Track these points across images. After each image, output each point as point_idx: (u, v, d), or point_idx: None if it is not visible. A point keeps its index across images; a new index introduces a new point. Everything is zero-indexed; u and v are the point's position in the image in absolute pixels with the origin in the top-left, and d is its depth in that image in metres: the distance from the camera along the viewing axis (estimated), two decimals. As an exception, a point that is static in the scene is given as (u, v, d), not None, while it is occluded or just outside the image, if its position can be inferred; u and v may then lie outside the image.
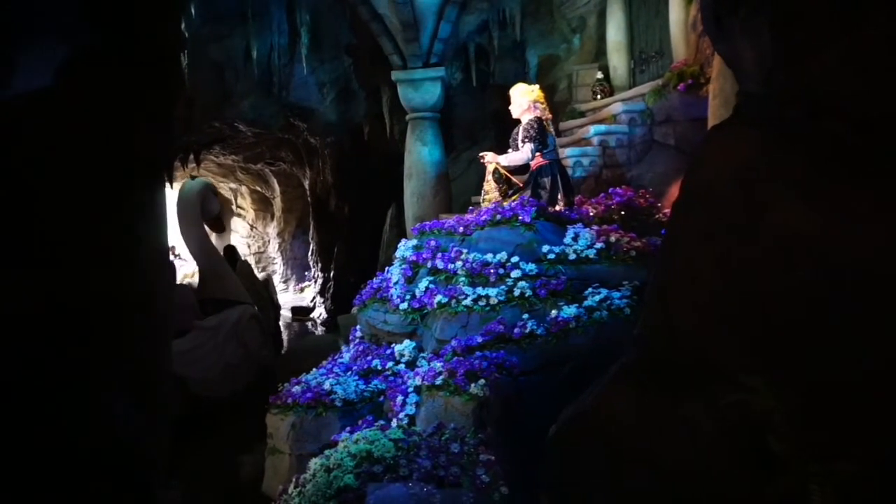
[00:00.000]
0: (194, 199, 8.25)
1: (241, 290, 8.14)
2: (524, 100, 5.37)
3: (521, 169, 5.30)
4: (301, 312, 14.10)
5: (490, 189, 5.27)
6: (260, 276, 11.45)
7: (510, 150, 5.37)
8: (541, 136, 5.21)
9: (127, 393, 1.96)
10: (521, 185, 5.25)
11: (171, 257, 7.11)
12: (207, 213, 8.40)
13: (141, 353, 2.06)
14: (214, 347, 6.83)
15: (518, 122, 5.50)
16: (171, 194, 16.29)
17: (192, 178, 9.29)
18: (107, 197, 1.83)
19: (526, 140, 5.21)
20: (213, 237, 9.53)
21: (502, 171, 5.18)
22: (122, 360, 1.92)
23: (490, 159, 5.27)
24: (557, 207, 5.11)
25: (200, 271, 8.16)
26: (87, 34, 1.74)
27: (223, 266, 8.26)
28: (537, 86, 5.53)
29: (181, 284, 7.76)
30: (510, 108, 5.50)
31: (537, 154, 5.20)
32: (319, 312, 13.53)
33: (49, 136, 1.70)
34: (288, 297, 14.96)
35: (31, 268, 1.67)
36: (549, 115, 5.50)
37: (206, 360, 6.64)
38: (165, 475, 2.25)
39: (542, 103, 5.39)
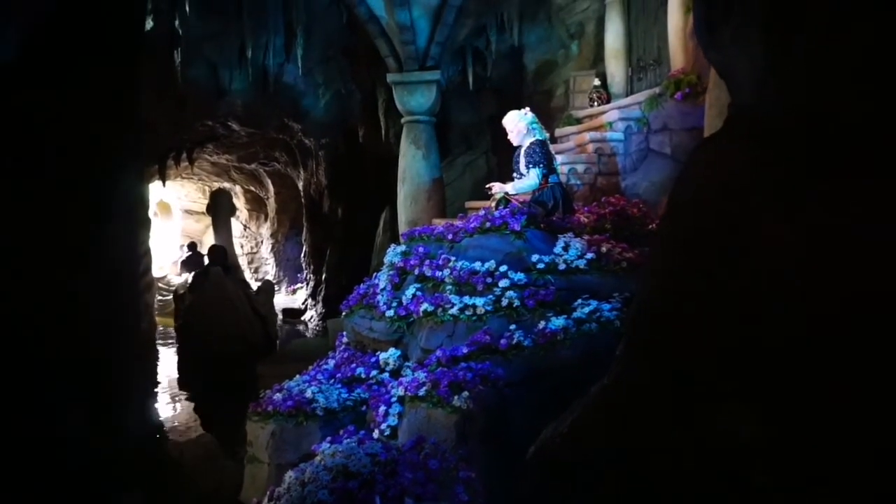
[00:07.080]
0: (227, 203, 12.86)
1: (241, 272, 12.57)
2: (521, 125, 5.26)
3: None
4: (293, 315, 13.99)
5: None
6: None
7: (514, 175, 5.27)
8: (545, 159, 5.11)
9: (83, 404, 1.87)
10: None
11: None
12: (232, 213, 13.57)
13: (100, 361, 1.96)
14: (270, 306, 10.83)
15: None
16: (165, 192, 16.28)
17: (221, 189, 14.30)
18: (58, 188, 1.73)
19: (530, 165, 5.10)
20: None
21: (509, 198, 5.08)
22: (76, 369, 1.83)
23: (497, 189, 5.16)
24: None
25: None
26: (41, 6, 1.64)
27: (235, 255, 12.71)
28: (528, 108, 5.44)
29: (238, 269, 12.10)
30: (509, 137, 5.38)
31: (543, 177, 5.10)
32: (311, 315, 13.41)
33: None
34: (280, 299, 14.86)
35: None
36: (548, 134, 5.42)
37: (270, 311, 10.71)
38: (123, 484, 2.16)
39: (537, 124, 5.30)
